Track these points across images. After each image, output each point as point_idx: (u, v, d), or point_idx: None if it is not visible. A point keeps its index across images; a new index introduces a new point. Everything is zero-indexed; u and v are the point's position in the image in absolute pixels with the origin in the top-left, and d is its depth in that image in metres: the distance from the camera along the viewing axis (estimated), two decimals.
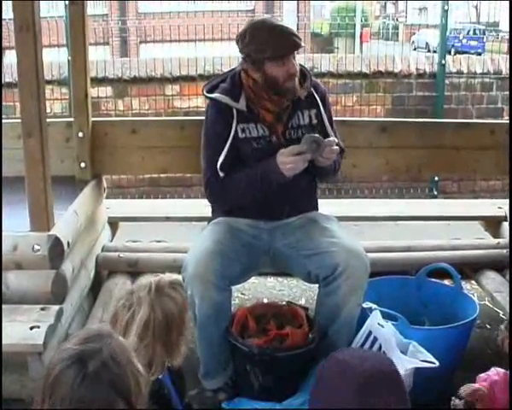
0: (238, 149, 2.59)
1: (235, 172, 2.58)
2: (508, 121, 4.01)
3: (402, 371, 2.31)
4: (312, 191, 2.81)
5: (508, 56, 6.36)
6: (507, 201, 3.43)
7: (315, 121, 2.66)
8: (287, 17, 13.84)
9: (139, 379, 1.44)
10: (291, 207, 2.67)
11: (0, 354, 2.28)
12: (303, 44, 2.54)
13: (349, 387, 1.81)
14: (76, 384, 1.35)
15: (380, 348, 2.41)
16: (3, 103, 5.48)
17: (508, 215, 3.52)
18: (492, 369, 2.13)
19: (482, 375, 2.12)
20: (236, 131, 2.58)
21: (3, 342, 2.31)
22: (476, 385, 2.09)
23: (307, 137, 2.46)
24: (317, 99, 2.66)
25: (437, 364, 2.33)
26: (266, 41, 2.48)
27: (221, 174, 2.56)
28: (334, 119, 2.78)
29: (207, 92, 2.66)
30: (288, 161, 2.45)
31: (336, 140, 2.57)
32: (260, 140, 2.59)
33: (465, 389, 2.08)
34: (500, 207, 3.68)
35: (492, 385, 2.07)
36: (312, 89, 2.66)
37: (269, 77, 2.53)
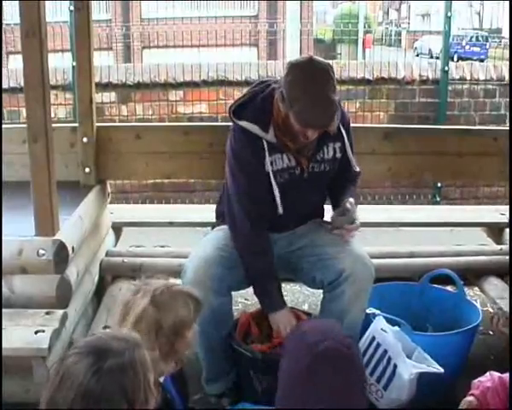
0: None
1: (267, 257, 2.51)
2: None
3: (407, 376, 2.32)
4: (321, 208, 2.78)
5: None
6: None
7: (339, 155, 2.56)
8: (290, 24, 13.86)
9: (148, 395, 1.44)
10: (299, 223, 2.65)
11: (0, 357, 2.29)
12: (333, 129, 2.36)
13: (300, 365, 1.83)
14: (88, 374, 1.35)
15: (385, 352, 2.42)
16: (9, 108, 5.52)
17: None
18: (487, 374, 2.14)
19: (475, 381, 2.13)
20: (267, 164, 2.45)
21: (8, 346, 2.32)
22: (469, 398, 2.09)
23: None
24: (343, 131, 2.54)
25: (442, 370, 2.33)
26: (300, 100, 2.26)
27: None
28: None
29: (234, 112, 2.47)
30: (277, 333, 2.47)
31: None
32: (284, 173, 2.48)
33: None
34: (503, 214, 3.68)
35: (484, 392, 2.07)
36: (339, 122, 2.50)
37: (288, 122, 2.34)
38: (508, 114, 5.98)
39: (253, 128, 2.42)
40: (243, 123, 2.44)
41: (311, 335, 1.90)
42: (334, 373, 1.82)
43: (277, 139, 2.43)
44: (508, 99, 5.96)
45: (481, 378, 2.12)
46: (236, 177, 2.50)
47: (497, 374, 2.11)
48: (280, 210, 2.43)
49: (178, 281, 2.48)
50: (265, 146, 2.42)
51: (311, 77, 2.29)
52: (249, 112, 2.44)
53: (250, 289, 2.65)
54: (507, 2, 5.65)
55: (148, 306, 1.90)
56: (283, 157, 2.46)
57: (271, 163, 2.44)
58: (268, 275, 2.52)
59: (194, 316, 1.98)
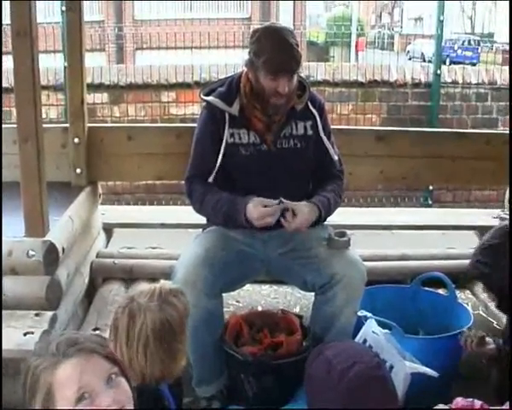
0: (225, 155, 2.55)
1: (213, 188, 2.55)
2: (504, 132, 4.02)
3: (402, 375, 2.30)
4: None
5: (503, 67, 6.38)
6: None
7: (310, 132, 2.63)
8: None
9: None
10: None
11: (0, 358, 2.27)
12: (300, 71, 2.48)
13: (336, 394, 1.83)
14: None
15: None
16: None
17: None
18: (457, 399, 2.12)
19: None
20: (226, 135, 2.56)
21: None
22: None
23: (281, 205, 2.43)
24: (314, 111, 2.62)
25: (436, 374, 2.32)
26: (266, 49, 2.42)
27: (210, 179, 2.54)
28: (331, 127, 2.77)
29: (204, 95, 2.64)
30: (256, 216, 2.41)
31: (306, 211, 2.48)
32: (250, 147, 2.56)
33: None
34: (495, 217, 3.68)
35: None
36: (309, 101, 2.62)
37: (259, 85, 2.49)
38: (500, 117, 6.00)
39: (217, 102, 2.57)
40: (208, 98, 2.60)
41: (337, 362, 1.89)
42: (371, 395, 1.86)
43: (242, 114, 2.55)
44: (500, 103, 5.99)
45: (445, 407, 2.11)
46: (194, 144, 2.67)
47: (461, 401, 2.09)
48: (210, 178, 2.54)
49: (169, 283, 2.47)
50: (226, 119, 2.55)
51: (274, 30, 2.51)
52: (216, 92, 2.61)
53: (241, 292, 2.65)
54: (499, 8, 5.67)
55: (156, 321, 1.88)
56: (249, 133, 2.57)
57: (231, 135, 2.56)
58: (213, 208, 2.55)
59: (186, 304, 2.00)
